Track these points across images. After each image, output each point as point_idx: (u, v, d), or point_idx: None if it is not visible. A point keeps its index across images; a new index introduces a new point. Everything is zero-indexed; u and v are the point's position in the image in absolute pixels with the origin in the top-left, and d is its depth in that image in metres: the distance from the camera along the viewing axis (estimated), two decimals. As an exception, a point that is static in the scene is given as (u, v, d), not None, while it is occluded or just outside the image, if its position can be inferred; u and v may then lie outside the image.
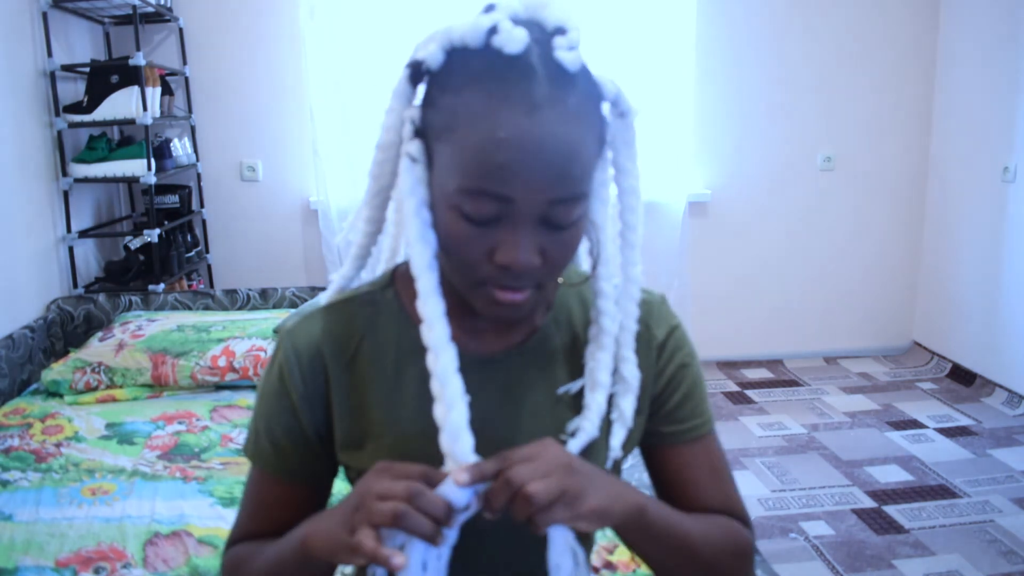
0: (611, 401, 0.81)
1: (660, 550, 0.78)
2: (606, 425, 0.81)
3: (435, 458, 0.72)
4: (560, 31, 0.69)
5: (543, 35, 0.68)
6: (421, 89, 0.73)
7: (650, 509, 0.75)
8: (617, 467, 0.84)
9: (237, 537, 0.88)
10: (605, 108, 0.73)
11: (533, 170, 0.66)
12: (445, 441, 0.71)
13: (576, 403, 0.82)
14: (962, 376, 3.64)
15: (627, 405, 0.81)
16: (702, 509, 0.85)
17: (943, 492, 2.64)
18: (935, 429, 3.14)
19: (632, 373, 0.81)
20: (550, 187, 0.67)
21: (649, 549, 0.78)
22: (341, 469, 0.89)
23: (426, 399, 0.74)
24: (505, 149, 0.66)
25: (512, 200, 0.67)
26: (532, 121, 0.65)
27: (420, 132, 0.73)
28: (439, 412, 0.71)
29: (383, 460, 0.82)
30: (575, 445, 0.78)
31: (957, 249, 3.73)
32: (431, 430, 0.72)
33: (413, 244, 0.73)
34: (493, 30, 0.67)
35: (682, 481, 0.87)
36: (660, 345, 0.86)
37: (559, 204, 0.68)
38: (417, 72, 0.72)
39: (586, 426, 0.79)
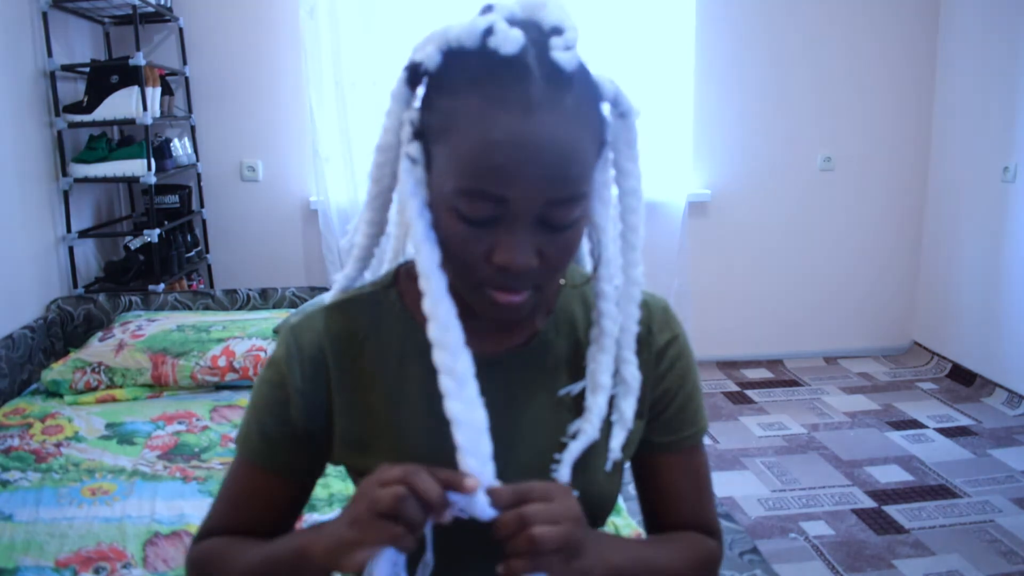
0: (611, 403, 0.81)
1: None
2: (606, 427, 0.81)
3: (438, 458, 0.71)
4: (557, 31, 0.68)
5: (540, 36, 0.68)
6: (420, 91, 0.73)
7: (623, 567, 0.76)
8: (618, 469, 0.84)
9: (210, 529, 0.87)
10: (605, 108, 0.73)
11: (530, 171, 0.66)
12: (464, 439, 0.70)
13: (577, 405, 0.82)
14: (962, 376, 3.64)
15: (627, 407, 0.81)
16: (678, 519, 0.88)
17: (943, 492, 2.64)
18: (935, 429, 3.14)
19: (633, 375, 0.81)
20: (547, 188, 0.67)
21: None
22: (343, 468, 0.88)
23: (429, 399, 0.74)
24: (501, 150, 0.65)
25: (509, 201, 0.67)
26: (528, 122, 0.65)
27: (419, 134, 0.73)
28: (457, 411, 0.71)
29: (386, 461, 0.82)
30: (576, 447, 0.79)
31: (957, 249, 3.73)
32: (434, 430, 0.72)
33: (420, 246, 0.73)
34: (489, 31, 0.67)
35: (664, 490, 0.89)
36: (660, 351, 0.86)
37: (557, 205, 0.68)
38: (415, 74, 0.72)
39: (587, 428, 0.79)
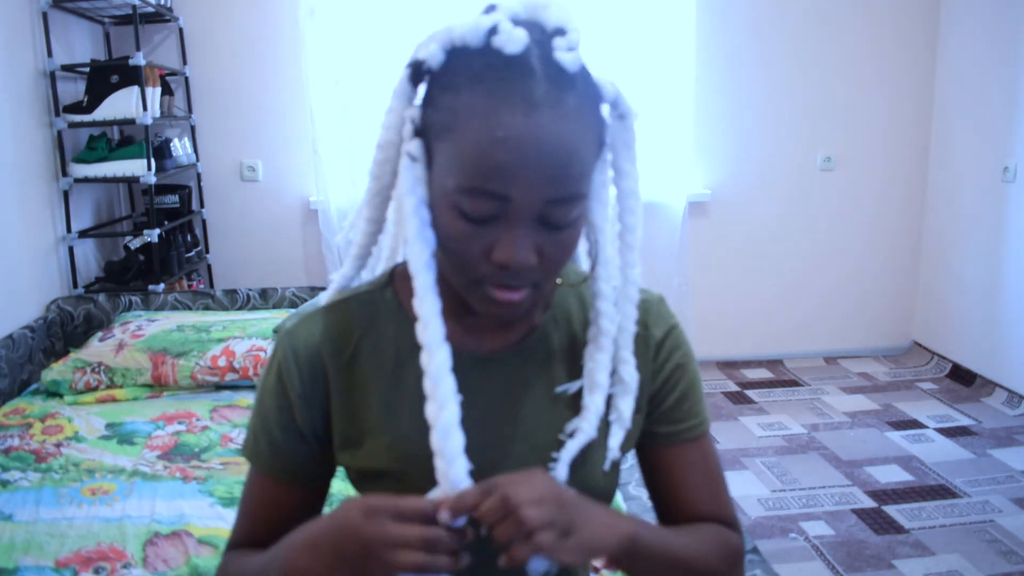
0: (609, 402, 0.81)
1: (655, 572, 0.78)
2: (604, 426, 0.81)
3: (431, 458, 0.72)
4: (560, 32, 0.69)
5: (543, 36, 0.68)
6: (422, 89, 0.73)
7: (642, 536, 0.75)
8: (616, 467, 0.84)
9: (235, 541, 0.88)
10: (605, 110, 0.73)
11: (531, 170, 0.66)
12: (436, 440, 0.71)
13: (574, 403, 0.82)
14: (962, 376, 3.64)
15: (625, 407, 0.81)
16: (693, 511, 0.86)
17: (943, 492, 2.64)
18: (935, 429, 3.14)
19: (630, 375, 0.81)
20: (548, 187, 0.67)
21: (644, 573, 0.78)
22: (340, 469, 0.89)
23: (423, 399, 0.74)
24: (503, 148, 0.66)
25: (510, 199, 0.67)
26: (530, 121, 0.66)
27: (420, 131, 0.73)
28: (430, 410, 0.72)
29: (382, 461, 0.82)
30: (573, 446, 0.79)
31: (957, 249, 3.73)
32: (428, 430, 0.72)
33: (411, 242, 0.74)
34: (493, 30, 0.67)
35: (674, 482, 0.87)
36: (658, 344, 0.86)
37: (557, 204, 0.69)
38: (418, 72, 0.72)
39: (584, 427, 0.79)
